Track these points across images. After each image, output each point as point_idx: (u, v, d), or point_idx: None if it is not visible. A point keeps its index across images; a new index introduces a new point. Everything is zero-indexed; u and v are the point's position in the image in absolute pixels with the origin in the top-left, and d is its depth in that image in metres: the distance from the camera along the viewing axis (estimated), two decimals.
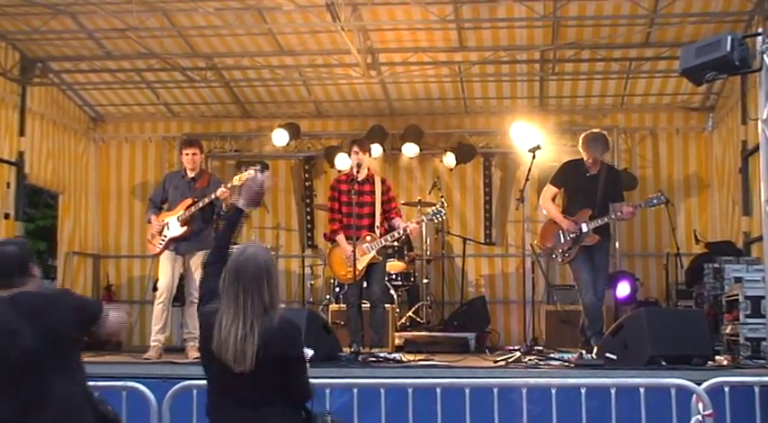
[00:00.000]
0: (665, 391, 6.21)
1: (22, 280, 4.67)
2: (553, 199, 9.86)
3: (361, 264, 9.33)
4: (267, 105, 14.51)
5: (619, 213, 9.45)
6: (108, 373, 7.70)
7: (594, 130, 9.91)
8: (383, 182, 9.84)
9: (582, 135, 9.85)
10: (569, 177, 9.80)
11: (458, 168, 14.02)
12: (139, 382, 6.32)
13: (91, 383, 6.31)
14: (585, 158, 9.66)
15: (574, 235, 9.50)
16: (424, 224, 10.64)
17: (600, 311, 9.64)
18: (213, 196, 9.60)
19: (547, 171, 12.95)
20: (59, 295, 4.90)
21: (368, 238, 9.46)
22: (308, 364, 4.69)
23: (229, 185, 9.80)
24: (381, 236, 9.55)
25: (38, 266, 4.91)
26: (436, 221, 10.63)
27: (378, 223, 9.59)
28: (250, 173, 9.77)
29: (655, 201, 9.63)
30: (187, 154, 10.00)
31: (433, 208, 9.91)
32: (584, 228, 9.44)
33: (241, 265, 4.51)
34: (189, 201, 9.75)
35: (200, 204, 9.65)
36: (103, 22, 11.75)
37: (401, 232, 9.63)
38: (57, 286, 14.14)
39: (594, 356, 8.71)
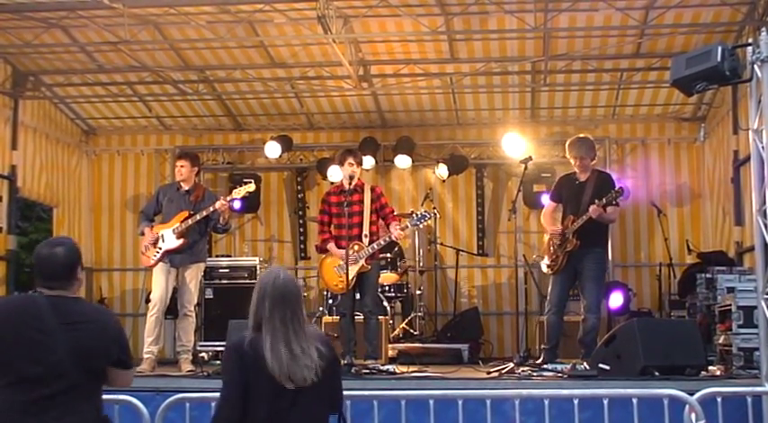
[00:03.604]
0: (657, 402, 6.21)
1: (65, 283, 4.63)
2: (549, 213, 9.86)
3: (351, 273, 9.34)
4: (259, 118, 14.51)
5: (592, 208, 9.27)
6: None
7: (579, 135, 9.94)
8: (373, 190, 9.85)
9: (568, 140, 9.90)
10: (563, 189, 9.81)
11: (450, 180, 14.03)
12: (132, 395, 6.29)
13: None
14: (573, 163, 9.66)
15: (558, 242, 9.49)
16: (411, 229, 10.63)
17: (557, 330, 9.61)
18: (212, 209, 9.62)
19: (538, 182, 13.05)
20: (105, 320, 4.79)
21: (355, 247, 9.49)
22: None
23: (228, 198, 9.84)
24: (369, 244, 9.57)
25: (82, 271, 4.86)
26: (422, 226, 10.61)
27: (366, 232, 9.61)
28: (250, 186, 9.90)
29: (613, 194, 9.50)
30: (176, 166, 10.05)
31: (418, 212, 9.92)
32: (567, 233, 9.44)
33: (284, 289, 4.70)
34: (185, 213, 9.76)
35: (198, 217, 9.67)
36: (95, 35, 11.77)
37: (386, 240, 9.63)
38: None
39: (587, 367, 8.72)
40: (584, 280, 9.53)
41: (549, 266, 9.69)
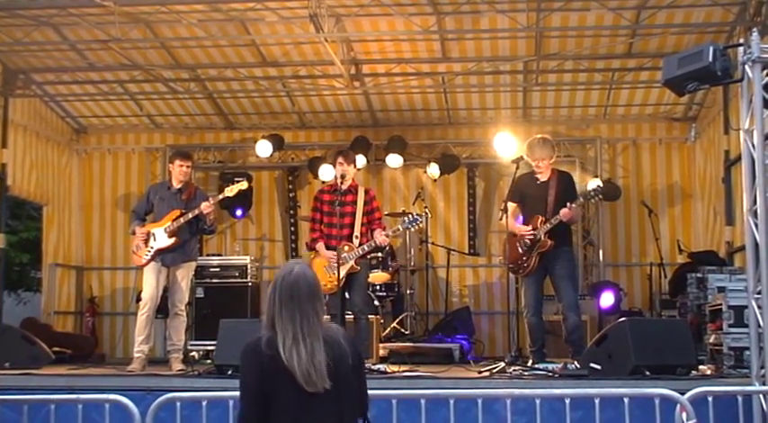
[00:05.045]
0: (649, 401, 6.22)
1: None
2: (513, 215, 9.80)
3: (340, 273, 9.35)
4: (251, 116, 14.49)
5: (565, 210, 9.33)
6: (91, 386, 7.69)
7: (537, 135, 9.93)
8: (367, 192, 9.85)
9: (526, 142, 9.89)
10: (521, 189, 9.74)
11: (442, 179, 14.02)
12: (123, 395, 6.28)
13: (74, 396, 6.31)
14: (534, 164, 9.64)
15: (529, 243, 9.48)
16: (401, 232, 10.64)
17: (540, 330, 9.62)
18: (197, 211, 9.61)
19: None
20: None
21: (345, 247, 9.48)
22: None
23: (220, 196, 9.87)
24: (359, 246, 9.56)
25: None
26: (413, 229, 10.60)
27: (357, 233, 9.60)
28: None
29: (592, 193, 9.66)
30: (182, 166, 9.96)
31: (409, 216, 9.91)
32: (538, 234, 9.43)
33: (293, 285, 4.41)
34: (177, 212, 9.76)
35: (190, 215, 9.66)
36: (86, 33, 11.74)
37: (373, 244, 9.61)
38: (42, 299, 14.12)
39: (578, 366, 8.73)
40: (559, 279, 9.54)
41: (520, 268, 9.62)
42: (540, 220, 9.45)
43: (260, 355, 4.38)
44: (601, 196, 10.01)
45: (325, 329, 4.42)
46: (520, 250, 9.52)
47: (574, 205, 9.40)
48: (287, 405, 4.35)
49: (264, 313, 4.49)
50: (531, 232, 9.43)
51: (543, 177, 9.65)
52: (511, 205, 9.75)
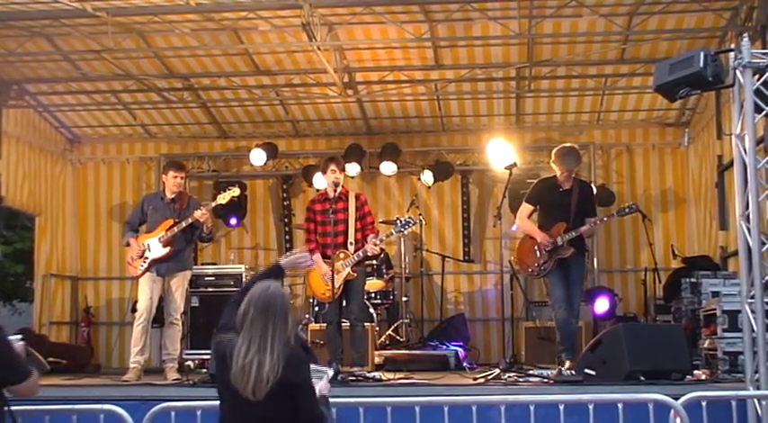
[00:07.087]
0: (643, 406, 6.22)
1: None
2: (529, 217, 9.90)
3: (337, 281, 9.35)
4: (244, 125, 14.49)
5: (588, 226, 9.51)
6: (86, 396, 7.67)
7: (566, 144, 9.94)
8: (357, 197, 9.85)
9: (555, 149, 9.89)
10: (543, 194, 9.83)
11: (436, 186, 14.02)
12: (117, 405, 6.27)
13: (68, 406, 6.30)
14: (559, 173, 9.69)
15: (550, 248, 9.52)
16: (395, 237, 10.67)
17: (572, 327, 9.64)
18: (190, 220, 9.62)
19: (524, 188, 13.05)
20: None
21: (341, 255, 9.49)
22: (319, 387, 4.92)
23: (213, 204, 9.88)
24: (355, 252, 9.56)
25: None
26: (406, 232, 10.61)
27: (351, 240, 9.60)
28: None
29: (627, 210, 9.78)
30: (175, 177, 9.98)
31: (402, 219, 9.92)
32: (560, 240, 9.46)
33: (270, 299, 4.70)
34: (170, 221, 9.76)
35: (183, 224, 9.66)
36: (79, 43, 11.75)
37: (367, 251, 9.60)
38: (34, 309, 14.10)
39: (573, 372, 8.74)
40: (571, 285, 9.58)
41: (538, 272, 9.67)
42: (563, 228, 9.49)
43: (215, 351, 4.78)
44: (636, 211, 10.14)
45: (287, 345, 4.67)
46: (538, 254, 9.58)
47: (597, 222, 9.66)
48: (228, 406, 4.73)
49: (237, 321, 4.73)
50: (551, 241, 9.46)
51: (566, 185, 9.70)
52: (528, 207, 9.82)
